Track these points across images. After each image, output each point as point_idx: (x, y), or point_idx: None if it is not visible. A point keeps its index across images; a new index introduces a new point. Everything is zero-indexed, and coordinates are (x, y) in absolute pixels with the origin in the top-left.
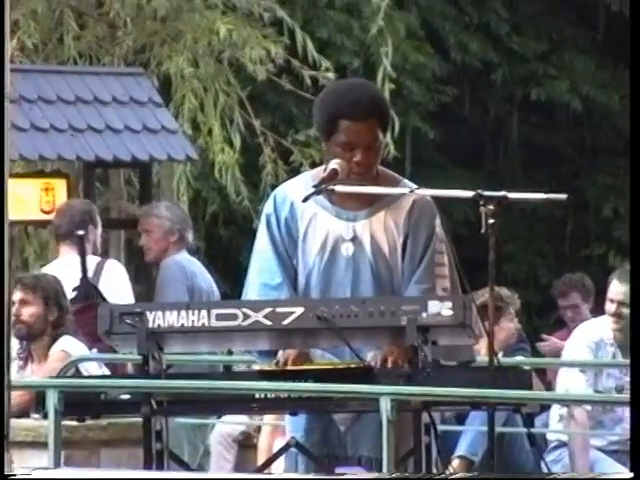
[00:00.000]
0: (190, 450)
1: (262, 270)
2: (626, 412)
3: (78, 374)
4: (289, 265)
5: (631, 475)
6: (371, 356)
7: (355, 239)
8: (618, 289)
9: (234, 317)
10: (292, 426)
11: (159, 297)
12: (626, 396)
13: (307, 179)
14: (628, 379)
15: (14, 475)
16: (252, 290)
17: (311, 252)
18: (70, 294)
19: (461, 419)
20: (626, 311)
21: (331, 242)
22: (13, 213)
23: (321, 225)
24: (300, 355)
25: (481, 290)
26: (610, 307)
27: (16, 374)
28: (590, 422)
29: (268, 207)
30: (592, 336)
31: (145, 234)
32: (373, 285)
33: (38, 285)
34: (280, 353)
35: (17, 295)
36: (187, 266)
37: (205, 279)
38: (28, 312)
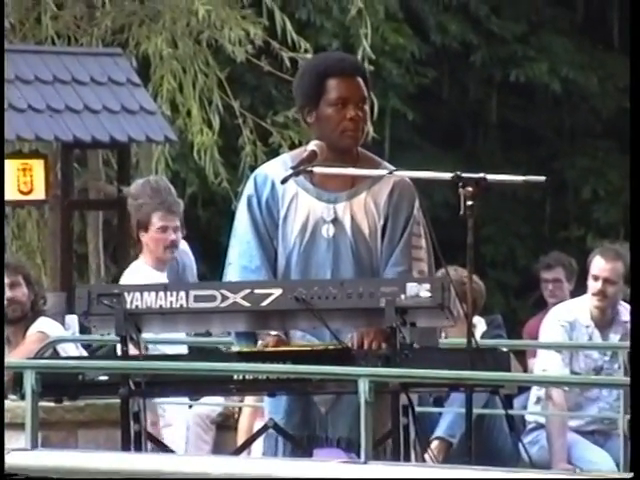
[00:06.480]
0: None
1: (242, 253)
2: (603, 392)
3: (55, 354)
4: (269, 247)
5: (631, 475)
6: (349, 338)
7: (336, 220)
8: (603, 265)
9: (212, 298)
10: (272, 408)
11: None
12: (604, 377)
13: (287, 160)
14: (607, 359)
15: (14, 475)
16: (232, 272)
17: (292, 233)
18: None
19: (440, 401)
20: (612, 289)
21: (312, 223)
22: None
23: (302, 206)
24: (279, 342)
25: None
26: (594, 284)
27: None
28: (567, 403)
29: (249, 188)
30: (566, 316)
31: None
32: (353, 267)
33: (19, 266)
34: (260, 342)
35: (6, 279)
36: (179, 258)
37: (193, 275)
38: (20, 292)
